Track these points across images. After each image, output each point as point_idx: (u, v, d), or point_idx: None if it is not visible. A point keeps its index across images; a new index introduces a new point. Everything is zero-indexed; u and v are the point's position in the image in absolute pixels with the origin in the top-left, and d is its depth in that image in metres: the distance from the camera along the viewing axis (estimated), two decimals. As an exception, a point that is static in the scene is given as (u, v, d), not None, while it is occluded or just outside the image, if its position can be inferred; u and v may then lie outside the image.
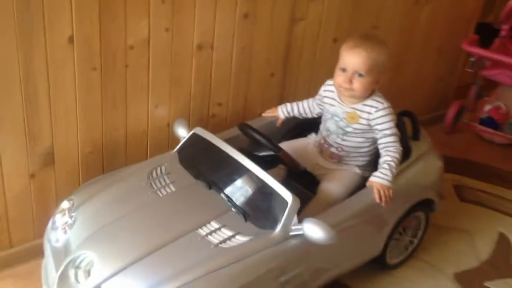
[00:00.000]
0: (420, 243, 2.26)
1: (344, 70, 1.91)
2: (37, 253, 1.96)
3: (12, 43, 1.65)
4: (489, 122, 3.17)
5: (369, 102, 1.94)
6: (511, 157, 3.08)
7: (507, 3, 3.04)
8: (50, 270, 1.69)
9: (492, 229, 2.50)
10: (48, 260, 1.72)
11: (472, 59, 2.99)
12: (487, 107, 3.22)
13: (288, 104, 2.20)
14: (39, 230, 1.96)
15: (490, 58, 2.97)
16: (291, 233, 1.69)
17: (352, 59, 1.88)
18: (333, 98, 2.01)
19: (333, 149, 2.01)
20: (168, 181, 1.84)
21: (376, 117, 1.92)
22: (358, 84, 1.89)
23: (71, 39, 1.75)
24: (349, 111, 1.95)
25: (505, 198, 2.73)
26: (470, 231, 2.46)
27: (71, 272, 1.60)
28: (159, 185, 1.82)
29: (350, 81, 1.89)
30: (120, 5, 1.80)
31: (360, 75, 1.88)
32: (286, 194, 1.69)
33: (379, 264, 2.14)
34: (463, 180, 2.82)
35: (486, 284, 2.20)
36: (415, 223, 2.19)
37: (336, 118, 1.99)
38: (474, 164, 2.99)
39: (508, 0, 3.12)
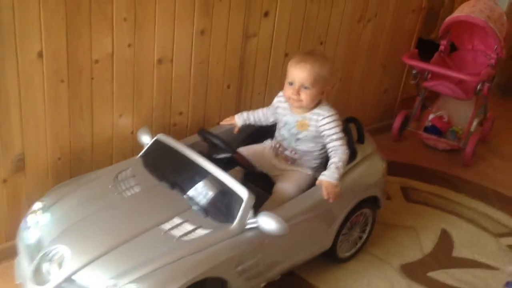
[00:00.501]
0: (368, 238, 2.44)
1: (291, 83, 2.10)
2: (9, 254, 2.08)
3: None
4: (433, 130, 3.42)
5: (316, 110, 2.14)
6: (453, 162, 3.33)
7: (444, 21, 3.31)
8: (24, 265, 1.80)
9: (436, 226, 2.71)
10: (22, 256, 1.83)
11: (414, 71, 3.25)
12: (431, 116, 3.47)
13: (245, 113, 2.37)
14: (10, 233, 2.08)
15: (429, 70, 3.23)
16: (247, 226, 1.86)
17: (298, 73, 2.08)
18: (284, 108, 2.20)
19: (287, 152, 2.19)
20: (133, 183, 1.98)
21: (323, 124, 2.12)
22: (305, 96, 2.09)
23: (40, 54, 1.89)
24: (299, 120, 2.14)
25: (448, 199, 2.95)
26: (415, 228, 2.67)
27: (44, 265, 1.73)
28: (124, 187, 1.96)
29: (298, 93, 2.09)
30: (86, 22, 1.96)
31: (306, 87, 2.08)
32: (241, 191, 1.86)
33: (331, 258, 2.32)
34: (409, 182, 3.04)
35: (429, 274, 2.39)
36: (362, 219, 2.37)
37: (288, 126, 2.17)
38: (420, 168, 3.22)
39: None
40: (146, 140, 2.15)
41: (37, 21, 1.84)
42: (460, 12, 3.20)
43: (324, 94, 2.13)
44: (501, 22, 3.19)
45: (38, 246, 1.81)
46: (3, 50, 1.81)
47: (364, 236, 2.42)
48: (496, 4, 3.29)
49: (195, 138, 2.25)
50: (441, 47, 3.38)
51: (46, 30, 1.87)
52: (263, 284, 2.02)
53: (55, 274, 1.70)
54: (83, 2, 1.92)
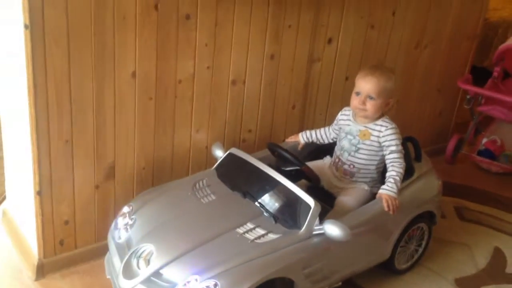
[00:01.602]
0: (424, 252, 2.57)
1: (358, 94, 2.29)
2: (97, 253, 2.32)
3: (89, 77, 2.05)
4: (487, 153, 3.52)
5: (379, 122, 2.31)
6: (506, 184, 3.41)
7: (498, 48, 3.44)
8: (115, 262, 2.02)
9: (489, 244, 2.80)
10: (113, 254, 2.06)
11: (468, 96, 3.38)
12: (484, 140, 3.57)
13: (308, 131, 2.56)
14: (99, 234, 2.32)
15: (482, 95, 3.35)
16: (314, 232, 2.03)
17: (365, 85, 2.27)
18: (348, 119, 2.38)
19: (346, 166, 2.36)
20: (209, 192, 2.19)
21: (385, 135, 2.28)
22: (370, 106, 2.27)
23: (134, 74, 2.15)
24: (362, 129, 2.32)
25: (500, 219, 3.04)
26: (469, 245, 2.77)
27: (134, 262, 1.94)
28: (202, 194, 2.18)
29: (364, 103, 2.27)
30: (173, 47, 2.21)
31: (372, 98, 2.26)
32: (309, 200, 2.04)
33: (389, 269, 2.45)
34: (463, 202, 3.15)
35: (483, 288, 2.51)
36: (419, 233, 2.50)
37: (349, 137, 2.34)
38: (473, 189, 3.32)
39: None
40: (219, 153, 2.36)
41: (133, 45, 2.10)
42: (514, 40, 3.33)
43: (388, 106, 2.30)
44: (554, 50, 3.29)
45: (127, 245, 2.03)
46: (104, 69, 2.06)
47: (421, 249, 2.55)
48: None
49: (263, 153, 2.45)
50: (495, 74, 3.50)
51: (140, 53, 2.13)
52: (326, 288, 2.18)
53: (144, 269, 1.91)
54: (172, 29, 2.17)
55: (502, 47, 3.39)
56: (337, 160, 2.41)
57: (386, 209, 2.18)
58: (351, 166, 2.35)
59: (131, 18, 2.06)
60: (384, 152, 2.29)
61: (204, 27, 2.25)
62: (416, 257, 2.55)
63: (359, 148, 2.32)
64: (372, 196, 2.29)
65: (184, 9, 2.17)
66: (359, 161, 2.33)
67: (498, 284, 2.53)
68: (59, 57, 1.95)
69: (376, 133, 2.29)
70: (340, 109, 2.60)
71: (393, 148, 2.26)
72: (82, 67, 2.02)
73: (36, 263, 2.20)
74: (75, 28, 1.95)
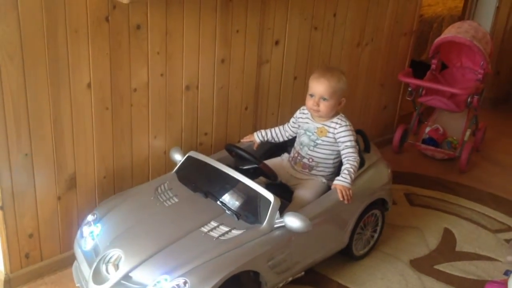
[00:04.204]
0: (379, 238, 2.71)
1: (312, 95, 2.41)
2: (64, 264, 2.34)
3: (45, 90, 2.08)
4: (430, 141, 3.72)
5: (335, 120, 2.43)
6: (450, 169, 3.62)
7: (434, 42, 3.64)
8: (83, 269, 2.06)
9: (439, 226, 2.98)
10: (81, 262, 2.09)
11: (409, 89, 3.57)
12: (428, 129, 3.78)
13: (263, 130, 2.65)
14: (64, 245, 2.35)
15: (423, 86, 3.55)
16: (275, 226, 2.13)
17: (318, 86, 2.39)
18: (307, 118, 2.50)
19: (305, 160, 2.48)
20: (171, 195, 2.25)
21: (340, 132, 2.41)
22: (323, 107, 2.39)
23: (89, 85, 2.19)
24: (319, 127, 2.44)
25: (448, 201, 3.23)
26: (420, 228, 2.94)
27: (103, 267, 1.99)
28: (164, 198, 2.24)
29: (318, 104, 2.39)
30: (126, 56, 2.26)
31: (325, 99, 2.38)
32: (268, 195, 2.14)
33: (348, 256, 2.58)
34: (412, 189, 3.33)
35: (436, 267, 2.65)
36: (373, 220, 2.65)
37: (308, 133, 2.46)
38: (420, 176, 3.51)
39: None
40: (178, 157, 2.42)
41: (86, 56, 2.14)
42: (448, 33, 3.54)
43: (341, 105, 2.43)
44: (485, 41, 3.52)
45: (94, 252, 2.07)
46: (58, 82, 2.10)
47: (376, 235, 2.69)
48: (480, 26, 3.63)
49: (220, 154, 2.54)
50: (433, 66, 3.71)
51: (94, 64, 2.17)
52: (290, 279, 2.27)
53: (113, 274, 1.95)
54: (124, 39, 2.22)
55: (437, 40, 3.59)
56: (296, 154, 2.52)
57: (341, 198, 2.30)
58: (310, 160, 2.46)
59: (83, 31, 2.10)
60: (339, 148, 2.42)
61: (154, 36, 2.31)
62: (372, 242, 2.69)
63: (317, 144, 2.44)
64: (329, 189, 2.41)
65: (134, 19, 2.23)
66: (317, 155, 2.45)
67: (450, 262, 2.70)
68: (14, 72, 1.98)
69: (332, 130, 2.42)
70: (291, 108, 2.72)
71: (348, 143, 2.39)
72: (38, 80, 2.05)
73: (3, 278, 2.20)
74: (28, 43, 1.98)
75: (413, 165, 3.65)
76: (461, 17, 4.65)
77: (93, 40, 2.14)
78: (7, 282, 2.21)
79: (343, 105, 2.44)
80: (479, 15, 4.49)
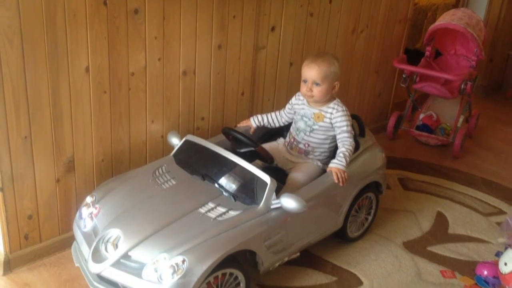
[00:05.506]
0: (373, 221, 2.76)
1: (305, 81, 2.44)
2: (63, 246, 2.38)
3: (44, 74, 2.10)
4: (424, 128, 3.77)
5: (331, 105, 2.47)
6: (444, 155, 3.67)
7: (428, 29, 3.68)
8: (83, 249, 2.09)
9: (432, 209, 3.04)
10: (80, 242, 2.13)
11: (404, 75, 3.61)
12: (421, 116, 3.83)
13: (259, 116, 2.69)
14: (63, 226, 2.38)
15: (417, 73, 3.59)
16: (272, 207, 2.17)
17: (310, 72, 2.42)
18: (303, 104, 2.53)
19: (301, 145, 2.51)
20: (169, 177, 2.29)
21: (336, 117, 2.45)
22: (316, 92, 2.42)
23: (87, 69, 2.22)
24: (316, 112, 2.48)
25: (441, 186, 3.28)
26: (413, 211, 2.99)
27: (102, 247, 2.02)
28: (162, 180, 2.27)
29: (311, 90, 2.43)
30: (124, 41, 2.28)
31: (317, 84, 2.42)
32: (265, 177, 2.18)
33: (342, 238, 2.63)
34: (405, 174, 3.38)
35: (429, 248, 2.71)
36: (368, 203, 2.69)
37: (305, 119, 2.50)
38: (414, 161, 3.56)
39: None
40: (176, 141, 2.46)
41: (85, 41, 2.17)
42: (442, 21, 3.58)
43: (335, 89, 2.46)
44: (479, 28, 3.56)
45: (94, 232, 2.11)
46: (58, 65, 2.12)
47: (370, 218, 2.74)
48: (474, 13, 3.67)
49: (217, 138, 2.57)
50: (427, 53, 3.75)
51: (92, 49, 2.20)
52: (286, 259, 2.32)
53: (112, 253, 1.99)
54: (122, 23, 2.25)
55: (431, 27, 3.63)
56: (292, 140, 2.56)
57: (336, 181, 2.34)
58: (306, 145, 2.50)
59: (82, 15, 2.13)
60: (335, 132, 2.46)
61: (152, 20, 2.34)
62: (366, 225, 2.74)
63: (313, 129, 2.48)
64: (324, 172, 2.45)
65: (132, 3, 2.25)
66: (314, 140, 2.49)
67: (443, 243, 2.75)
68: (14, 56, 2.00)
69: (328, 115, 2.45)
70: (286, 93, 2.74)
71: (344, 128, 2.43)
72: (37, 64, 2.07)
73: (2, 259, 2.23)
74: (27, 27, 2.00)
75: (407, 151, 3.70)
76: (455, 5, 4.70)
77: (91, 24, 2.16)
78: (7, 262, 2.25)
79: (337, 89, 2.47)
80: (473, 3, 4.54)
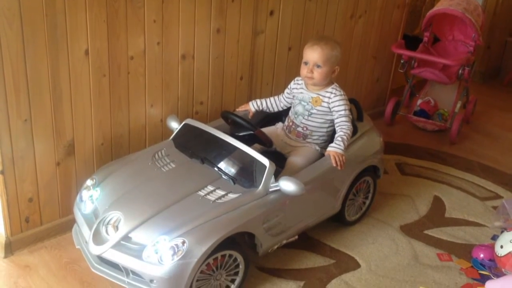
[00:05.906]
0: (371, 205, 2.78)
1: (306, 63, 2.45)
2: (63, 229, 2.40)
3: (44, 57, 2.10)
4: (422, 113, 3.79)
5: (329, 89, 2.48)
6: (441, 140, 3.70)
7: (426, 14, 3.68)
8: (83, 231, 2.11)
9: (429, 194, 3.06)
10: (81, 224, 2.14)
11: (402, 61, 3.62)
12: (419, 101, 3.84)
13: (258, 100, 2.70)
14: (64, 209, 2.40)
15: (415, 58, 3.60)
16: (271, 189, 2.18)
17: (312, 54, 2.43)
18: (301, 88, 2.54)
19: (299, 129, 2.53)
20: (168, 161, 2.30)
21: (334, 101, 2.46)
22: (317, 74, 2.43)
23: (87, 52, 2.22)
24: (314, 96, 2.49)
25: (438, 171, 3.31)
26: (410, 196, 3.02)
27: (102, 229, 2.05)
28: (162, 164, 2.29)
29: (311, 71, 2.43)
30: (123, 24, 2.28)
31: (319, 66, 2.42)
32: (264, 160, 2.19)
33: (340, 222, 2.66)
34: (403, 159, 3.40)
35: (426, 232, 2.73)
36: (365, 186, 2.71)
37: (303, 103, 2.51)
38: (412, 146, 3.58)
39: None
40: (175, 125, 2.47)
41: (84, 24, 2.17)
42: (440, 6, 3.58)
43: (334, 73, 2.47)
44: (477, 13, 3.56)
45: (94, 215, 2.13)
46: (57, 48, 2.13)
47: (368, 201, 2.76)
48: (472, -2, 3.67)
49: (217, 122, 2.58)
50: (425, 39, 3.76)
51: (91, 32, 2.20)
52: (284, 241, 2.34)
53: (113, 235, 2.01)
54: (121, 7, 2.25)
55: (429, 13, 3.63)
56: (290, 123, 2.57)
57: (334, 164, 2.36)
58: (305, 129, 2.51)
59: (81, -3, 2.13)
60: (333, 117, 2.47)
61: (151, 3, 2.34)
62: (364, 209, 2.76)
63: (312, 113, 2.49)
64: (322, 156, 2.46)
65: (131, -13, 2.26)
66: (312, 124, 2.50)
67: (439, 227, 2.78)
68: (13, 38, 2.00)
69: (326, 99, 2.46)
70: (285, 78, 2.74)
71: (342, 112, 2.44)
72: (36, 47, 2.07)
73: (3, 241, 2.25)
74: (27, 10, 2.00)
75: (405, 136, 3.72)
76: (454, -8, 4.68)
77: (91, 7, 2.16)
78: (8, 245, 2.27)
79: (337, 74, 2.48)
80: (471, -11, 4.52)
